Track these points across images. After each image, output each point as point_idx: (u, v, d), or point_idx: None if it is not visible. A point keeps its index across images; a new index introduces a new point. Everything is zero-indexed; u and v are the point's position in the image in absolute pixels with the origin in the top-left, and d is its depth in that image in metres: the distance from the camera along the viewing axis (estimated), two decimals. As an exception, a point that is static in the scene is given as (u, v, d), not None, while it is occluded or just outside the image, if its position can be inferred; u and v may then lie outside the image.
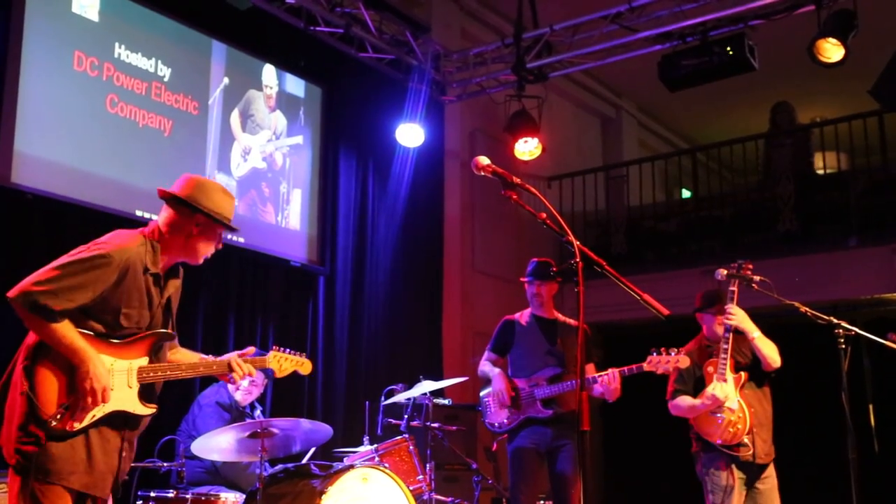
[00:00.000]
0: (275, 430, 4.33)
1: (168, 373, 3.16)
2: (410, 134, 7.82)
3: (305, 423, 4.54)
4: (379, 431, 5.66)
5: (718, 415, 4.67)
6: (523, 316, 5.25)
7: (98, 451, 2.97)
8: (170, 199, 3.26)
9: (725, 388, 4.66)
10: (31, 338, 3.00)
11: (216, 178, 6.50)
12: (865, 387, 7.20)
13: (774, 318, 6.69)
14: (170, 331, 3.22)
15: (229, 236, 6.47)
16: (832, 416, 4.80)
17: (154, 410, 3.14)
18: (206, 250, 3.28)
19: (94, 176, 5.71)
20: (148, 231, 3.22)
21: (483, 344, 5.38)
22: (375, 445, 5.06)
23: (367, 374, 7.46)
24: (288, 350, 3.62)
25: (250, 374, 3.34)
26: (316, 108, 7.49)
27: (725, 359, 4.67)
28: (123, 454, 3.07)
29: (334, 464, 4.80)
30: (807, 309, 4.53)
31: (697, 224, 9.40)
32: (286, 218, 7.08)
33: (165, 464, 4.57)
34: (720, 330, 4.79)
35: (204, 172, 6.42)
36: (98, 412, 2.96)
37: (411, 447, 5.10)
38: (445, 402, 6.73)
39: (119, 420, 3.04)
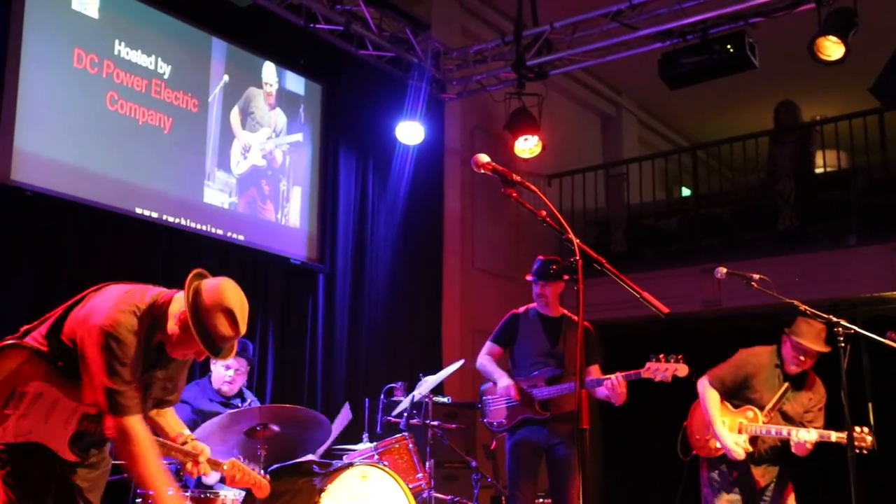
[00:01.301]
0: (274, 428, 4.33)
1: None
2: (410, 131, 7.82)
3: (305, 413, 4.53)
4: (378, 429, 5.66)
5: (709, 437, 4.73)
6: (528, 312, 5.24)
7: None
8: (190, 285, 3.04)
9: (728, 436, 4.70)
10: None
11: (216, 176, 6.50)
12: (865, 385, 7.19)
13: (774, 317, 6.70)
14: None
15: (230, 234, 6.48)
16: (832, 414, 4.81)
17: (75, 461, 3.00)
18: (182, 350, 3.04)
19: (93, 173, 5.71)
20: (161, 299, 3.06)
21: (482, 342, 5.37)
22: (375, 443, 5.06)
23: (367, 371, 7.46)
24: (251, 464, 3.44)
25: (204, 474, 3.31)
26: (316, 105, 7.48)
27: (759, 433, 4.69)
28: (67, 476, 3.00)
29: (334, 461, 4.80)
30: (806, 307, 4.53)
31: (697, 222, 9.39)
32: (286, 215, 7.08)
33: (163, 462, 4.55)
34: (793, 365, 4.76)
35: (204, 170, 6.43)
36: (23, 439, 2.89)
37: (411, 445, 5.09)
38: (445, 399, 6.73)
39: (46, 454, 2.95)
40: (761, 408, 4.74)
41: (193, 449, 3.25)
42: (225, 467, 3.32)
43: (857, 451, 4.46)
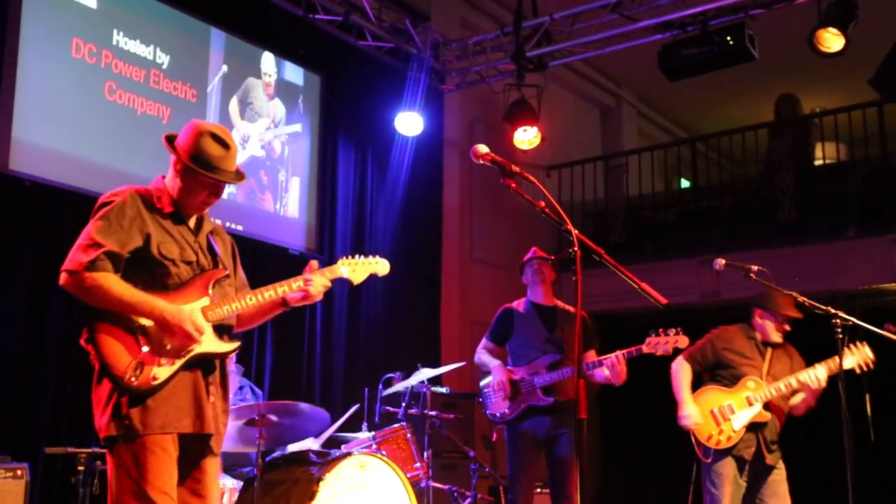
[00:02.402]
0: (272, 418, 4.34)
1: (234, 304, 3.06)
2: (409, 123, 7.81)
3: (304, 407, 4.55)
4: (377, 419, 5.67)
5: (719, 421, 4.73)
6: (521, 304, 5.25)
7: (190, 393, 2.94)
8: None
9: (744, 411, 4.71)
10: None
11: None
12: (862, 376, 7.20)
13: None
14: (222, 269, 3.13)
15: (229, 223, 6.48)
16: (829, 405, 4.82)
17: (237, 345, 3.07)
18: (194, 196, 3.08)
19: (92, 163, 5.70)
20: (151, 184, 3.16)
21: (481, 333, 5.38)
22: (373, 433, 5.07)
23: (365, 362, 7.47)
24: (358, 256, 3.52)
25: (326, 287, 3.31)
26: (315, 96, 7.48)
27: (771, 396, 4.70)
28: (212, 399, 3.00)
29: (332, 451, 4.82)
30: (805, 299, 4.55)
31: (696, 214, 9.40)
32: (284, 206, 7.08)
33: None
34: (775, 334, 4.83)
35: (202, 160, 6.42)
36: (177, 359, 2.91)
37: (409, 435, 5.11)
38: (443, 390, 6.74)
39: (199, 365, 2.97)
40: (758, 375, 4.78)
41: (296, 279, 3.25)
42: (339, 269, 3.43)
43: (861, 370, 4.54)
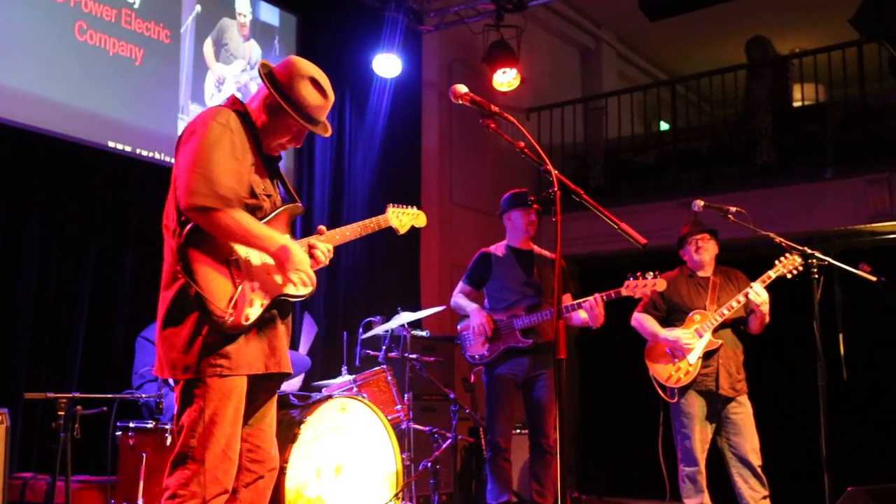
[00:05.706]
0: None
1: (320, 242, 3.05)
2: (387, 64, 7.70)
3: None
4: (357, 362, 5.69)
5: (675, 359, 4.80)
6: (499, 248, 5.26)
7: (270, 333, 2.88)
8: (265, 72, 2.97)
9: (696, 343, 4.77)
10: (173, 245, 2.81)
11: (190, 109, 6.39)
12: (836, 316, 7.30)
13: (750, 249, 6.76)
14: (298, 205, 3.07)
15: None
16: (804, 344, 4.88)
17: (312, 289, 2.97)
18: (275, 137, 2.96)
19: (63, 105, 5.59)
20: (235, 102, 3.00)
21: (461, 277, 5.38)
22: (354, 376, 5.10)
23: (345, 306, 7.48)
24: (402, 205, 3.53)
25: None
26: (291, 37, 7.35)
27: (718, 321, 4.77)
28: (284, 340, 2.96)
29: (313, 394, 4.84)
30: (782, 240, 4.59)
31: (675, 156, 9.39)
32: (262, 149, 6.99)
33: (144, 395, 4.58)
34: (699, 256, 4.95)
35: (177, 102, 6.32)
36: (266, 299, 2.84)
37: (389, 378, 5.14)
38: (423, 333, 6.78)
39: (278, 306, 2.91)
40: (704, 308, 4.86)
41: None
42: (390, 219, 3.48)
43: (792, 275, 4.62)
